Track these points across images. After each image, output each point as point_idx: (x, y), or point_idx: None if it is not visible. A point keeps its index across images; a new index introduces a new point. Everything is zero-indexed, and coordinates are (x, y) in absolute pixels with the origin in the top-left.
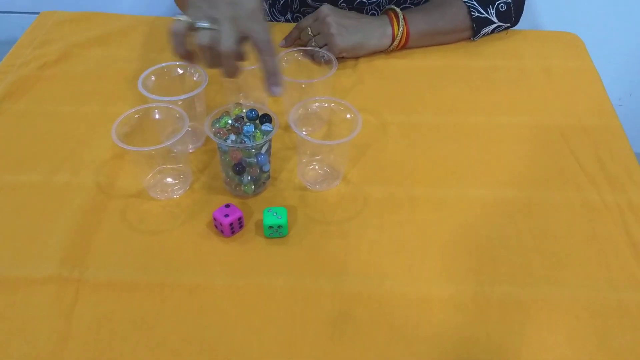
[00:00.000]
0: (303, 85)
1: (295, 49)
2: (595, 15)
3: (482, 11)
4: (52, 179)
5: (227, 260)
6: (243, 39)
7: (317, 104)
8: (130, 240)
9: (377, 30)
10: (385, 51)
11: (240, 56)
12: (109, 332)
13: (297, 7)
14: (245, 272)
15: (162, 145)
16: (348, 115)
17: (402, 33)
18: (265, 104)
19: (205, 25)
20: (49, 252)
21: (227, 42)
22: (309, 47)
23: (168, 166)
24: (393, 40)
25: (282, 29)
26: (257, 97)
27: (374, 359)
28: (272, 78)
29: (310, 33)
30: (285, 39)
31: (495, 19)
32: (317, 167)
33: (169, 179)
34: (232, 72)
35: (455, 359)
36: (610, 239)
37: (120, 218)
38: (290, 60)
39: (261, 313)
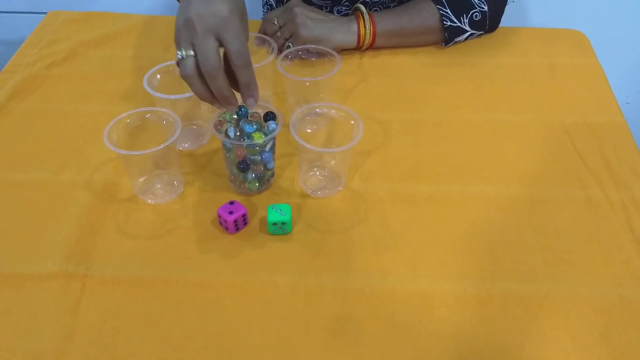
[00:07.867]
0: (307, 84)
1: (298, 47)
2: (604, 13)
3: (455, 20)
4: (58, 176)
5: (231, 257)
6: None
7: (318, 109)
8: (136, 236)
9: (342, 27)
10: (358, 49)
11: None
12: (114, 328)
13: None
14: (249, 268)
15: (157, 149)
16: (351, 122)
17: (370, 31)
18: (270, 102)
19: (182, 54)
20: (56, 248)
21: (206, 61)
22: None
23: (161, 171)
24: (359, 37)
25: None
26: (261, 95)
27: (375, 356)
28: (246, 90)
29: (275, 23)
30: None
31: (468, 28)
32: (317, 173)
33: (159, 185)
34: (225, 97)
35: (458, 356)
36: (614, 236)
37: (125, 215)
38: (294, 58)
39: (264, 309)
